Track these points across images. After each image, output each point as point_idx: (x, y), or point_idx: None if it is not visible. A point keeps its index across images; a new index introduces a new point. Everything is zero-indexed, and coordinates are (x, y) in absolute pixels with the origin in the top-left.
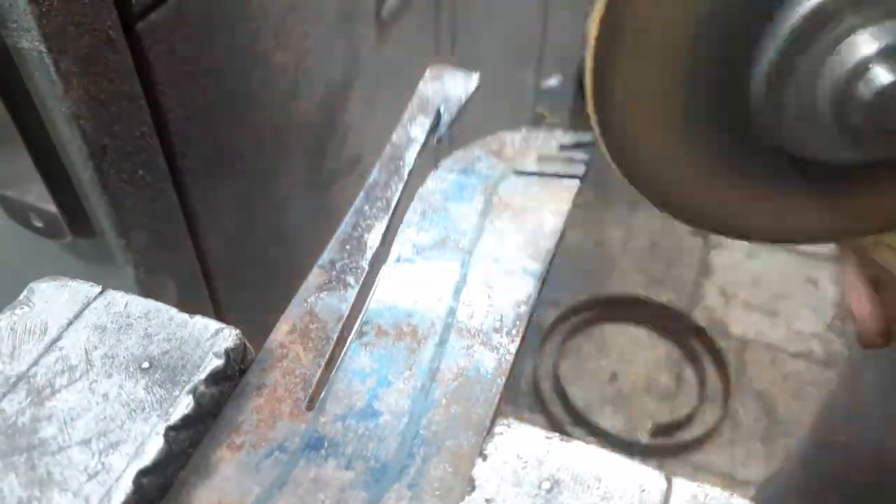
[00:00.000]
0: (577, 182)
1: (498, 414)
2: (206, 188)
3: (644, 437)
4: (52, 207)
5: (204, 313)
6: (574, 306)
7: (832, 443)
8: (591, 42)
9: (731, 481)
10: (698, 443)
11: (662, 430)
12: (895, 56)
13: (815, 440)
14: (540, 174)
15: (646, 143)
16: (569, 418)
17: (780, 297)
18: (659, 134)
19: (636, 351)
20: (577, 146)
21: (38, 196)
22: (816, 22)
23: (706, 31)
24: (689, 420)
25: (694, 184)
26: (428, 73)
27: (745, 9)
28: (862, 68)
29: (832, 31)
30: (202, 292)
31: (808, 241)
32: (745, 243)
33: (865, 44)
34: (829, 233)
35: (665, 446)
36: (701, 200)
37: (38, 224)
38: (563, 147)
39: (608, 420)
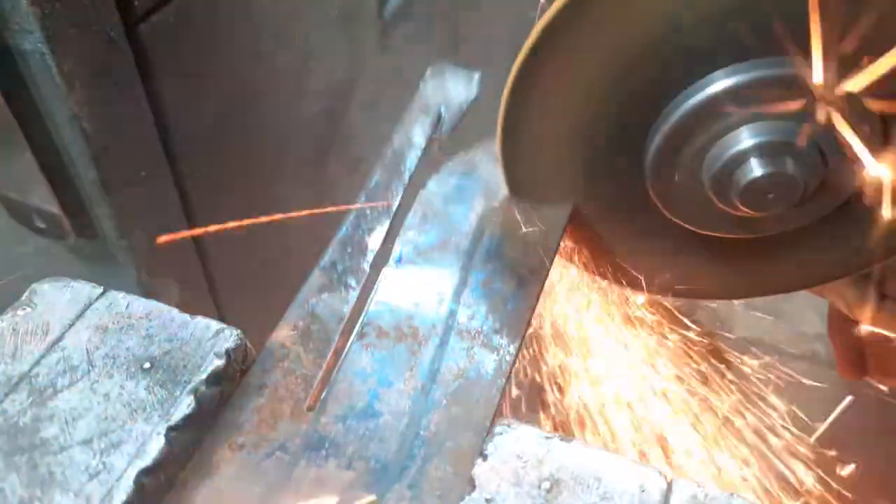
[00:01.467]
0: None
1: (498, 414)
2: (209, 190)
3: None
4: (54, 209)
5: (206, 314)
6: None
7: None
8: (504, 101)
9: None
10: None
11: None
12: (768, 152)
13: None
14: None
15: (545, 189)
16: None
17: (783, 298)
18: (558, 182)
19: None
20: None
21: (41, 197)
22: (699, 118)
23: (603, 118)
24: None
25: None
26: (429, 72)
27: (632, 110)
28: (739, 160)
29: (715, 126)
30: (204, 293)
31: (710, 299)
32: None
33: (744, 139)
34: (731, 294)
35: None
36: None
37: (41, 225)
38: None
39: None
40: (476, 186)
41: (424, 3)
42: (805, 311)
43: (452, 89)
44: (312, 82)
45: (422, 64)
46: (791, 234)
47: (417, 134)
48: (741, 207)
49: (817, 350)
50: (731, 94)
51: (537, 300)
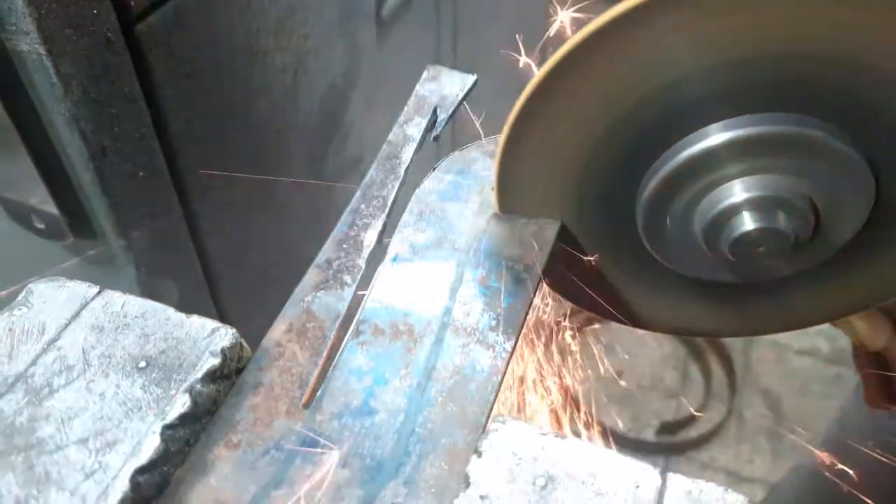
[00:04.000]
0: None
1: (493, 411)
2: (207, 189)
3: (650, 435)
4: (53, 209)
5: (205, 313)
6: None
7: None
8: (504, 135)
9: (736, 479)
10: (704, 440)
11: (668, 427)
12: (761, 206)
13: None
14: None
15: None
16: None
17: None
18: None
19: (641, 349)
20: None
21: (40, 198)
22: (693, 169)
23: (596, 165)
24: (694, 418)
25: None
26: (425, 73)
27: (628, 155)
28: (731, 213)
29: (708, 177)
30: (203, 292)
31: (707, 335)
32: None
33: (736, 192)
34: (721, 332)
35: (671, 444)
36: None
37: (40, 226)
38: None
39: (613, 418)
40: (472, 184)
41: (423, 3)
42: None
43: (448, 88)
44: (310, 81)
45: (420, 63)
46: (786, 278)
47: (413, 132)
48: (730, 258)
49: (819, 346)
50: (726, 148)
51: (533, 297)
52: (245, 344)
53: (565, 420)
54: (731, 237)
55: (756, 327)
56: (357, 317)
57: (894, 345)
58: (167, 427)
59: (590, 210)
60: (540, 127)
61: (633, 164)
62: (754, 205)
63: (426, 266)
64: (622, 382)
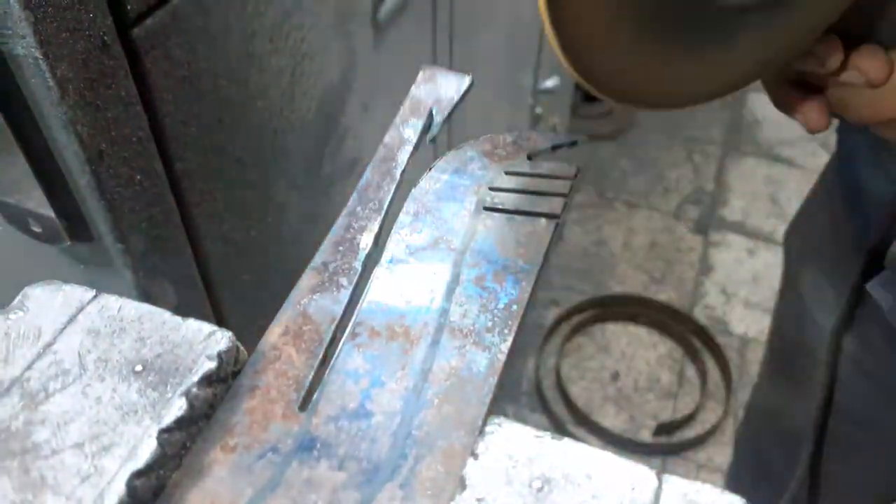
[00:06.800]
0: (569, 182)
1: (490, 413)
2: (204, 192)
3: (646, 436)
4: (50, 213)
5: (203, 317)
6: (575, 306)
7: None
8: None
9: None
10: (700, 441)
11: (664, 428)
12: None
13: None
14: (532, 175)
15: (599, 38)
16: (571, 418)
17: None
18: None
19: (637, 350)
20: (570, 144)
21: (37, 202)
22: None
23: None
24: (691, 418)
25: (640, 55)
26: (420, 75)
27: None
28: None
29: None
30: (202, 296)
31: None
32: (744, 243)
33: None
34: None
35: (667, 445)
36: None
37: (37, 229)
38: (555, 146)
39: (610, 419)
40: (468, 183)
41: (419, 6)
42: None
43: (444, 90)
44: (307, 84)
45: (417, 66)
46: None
47: (409, 134)
48: None
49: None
50: None
51: (529, 298)
52: (241, 347)
53: None
54: None
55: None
56: (353, 319)
57: (836, 72)
58: (163, 431)
59: None
60: None
61: None
62: None
63: (422, 267)
64: (618, 383)
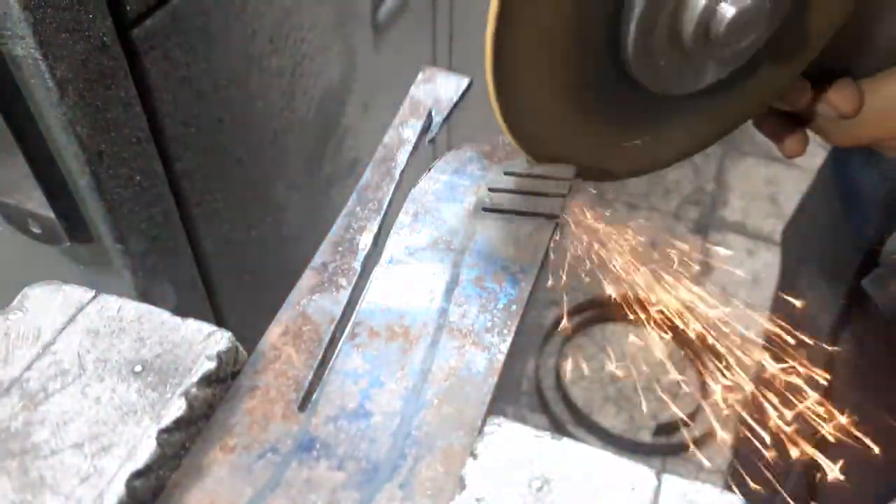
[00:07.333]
0: (568, 183)
1: (489, 413)
2: (204, 193)
3: (646, 437)
4: (49, 213)
5: (203, 317)
6: (574, 306)
7: None
8: (490, 28)
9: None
10: (700, 442)
11: (664, 428)
12: None
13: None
14: (531, 175)
15: (534, 102)
16: (571, 418)
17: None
18: (547, 91)
19: (638, 350)
20: None
21: (37, 202)
22: None
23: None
24: (691, 419)
25: (572, 127)
26: (420, 75)
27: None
28: (711, 8)
29: None
30: (201, 296)
31: (682, 157)
32: (745, 243)
33: None
34: (700, 144)
35: (667, 445)
36: (580, 144)
37: (37, 230)
38: None
39: (610, 420)
40: (468, 184)
41: (419, 7)
42: None
43: (443, 90)
44: (307, 84)
45: (417, 66)
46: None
47: (408, 135)
48: (723, 40)
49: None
50: None
51: (529, 298)
52: (241, 347)
53: None
54: (721, 30)
55: (723, 126)
56: (352, 319)
57: (811, 107)
58: (163, 431)
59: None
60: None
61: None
62: None
63: (421, 267)
64: (618, 383)
